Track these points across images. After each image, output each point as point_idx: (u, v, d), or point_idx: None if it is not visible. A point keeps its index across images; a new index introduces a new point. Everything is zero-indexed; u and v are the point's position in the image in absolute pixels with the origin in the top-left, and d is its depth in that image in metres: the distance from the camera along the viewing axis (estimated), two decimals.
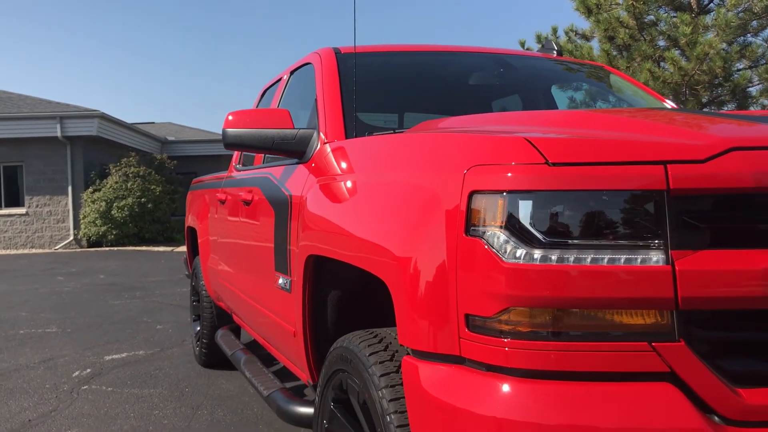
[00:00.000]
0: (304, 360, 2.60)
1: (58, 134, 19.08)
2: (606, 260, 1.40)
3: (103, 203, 18.88)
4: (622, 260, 1.40)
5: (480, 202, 1.50)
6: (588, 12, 12.05)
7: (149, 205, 19.49)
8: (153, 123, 29.55)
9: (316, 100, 3.04)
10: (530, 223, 1.43)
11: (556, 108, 3.80)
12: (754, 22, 11.84)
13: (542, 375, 1.42)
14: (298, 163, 2.86)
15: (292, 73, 3.73)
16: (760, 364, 1.43)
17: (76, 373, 5.34)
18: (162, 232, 20.66)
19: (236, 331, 4.82)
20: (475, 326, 1.49)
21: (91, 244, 19.81)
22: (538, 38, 12.49)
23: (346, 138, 2.68)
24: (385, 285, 1.89)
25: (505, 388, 1.43)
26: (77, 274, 12.77)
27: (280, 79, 3.96)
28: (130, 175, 19.49)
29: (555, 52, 3.78)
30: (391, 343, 1.95)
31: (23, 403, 4.56)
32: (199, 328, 5.61)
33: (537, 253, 1.42)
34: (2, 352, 6.15)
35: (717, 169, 1.40)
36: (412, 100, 3.60)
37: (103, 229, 19.11)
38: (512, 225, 1.44)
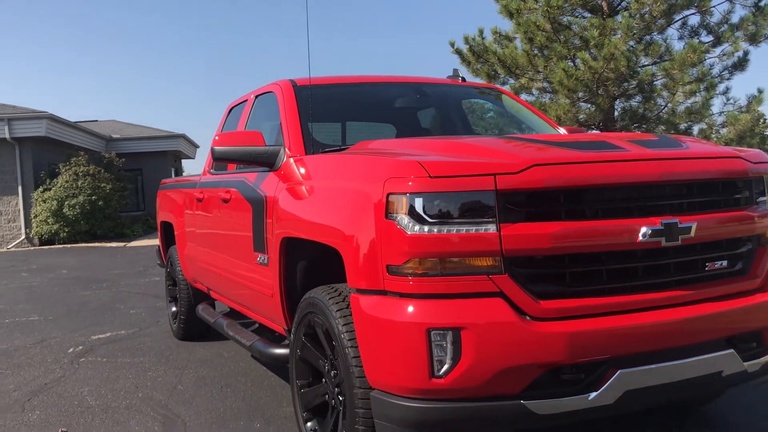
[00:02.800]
0: (281, 313, 3.64)
1: (6, 136, 19.42)
2: (464, 230, 2.48)
3: (55, 202, 19.37)
4: (473, 230, 2.48)
5: (393, 200, 2.57)
6: (510, 15, 13.28)
7: (100, 203, 20.04)
8: (96, 121, 29.73)
9: (280, 122, 4.06)
10: (421, 211, 2.50)
11: (466, 117, 4.95)
12: (660, 21, 13.26)
13: (430, 296, 2.50)
14: (269, 171, 3.87)
15: (257, 97, 4.73)
16: (549, 286, 2.54)
17: (71, 349, 6.23)
18: (113, 228, 21.23)
19: (212, 305, 5.80)
20: (392, 271, 2.56)
21: (43, 243, 20.26)
22: (466, 39, 13.66)
23: (306, 153, 3.72)
24: (335, 255, 2.94)
25: (410, 305, 2.51)
26: (39, 270, 13.43)
27: (246, 100, 4.96)
28: (80, 174, 20.00)
29: (460, 79, 4.90)
30: (342, 292, 2.99)
31: (34, 373, 5.45)
32: (175, 308, 6.56)
33: (425, 228, 2.49)
34: None
35: (524, 177, 2.50)
36: (352, 115, 4.74)
37: (55, 227, 19.60)
38: (411, 212, 2.51)
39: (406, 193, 2.53)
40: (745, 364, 2.80)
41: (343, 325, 2.84)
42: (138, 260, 14.43)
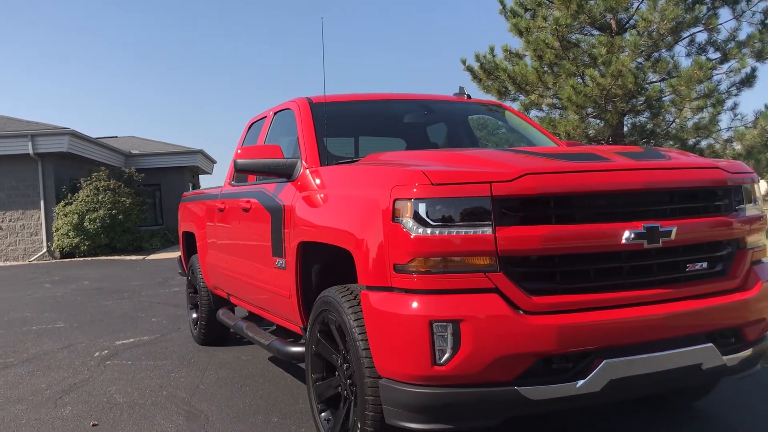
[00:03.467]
0: (297, 313, 3.92)
1: (30, 151, 19.97)
2: (463, 232, 2.76)
3: (76, 216, 19.84)
4: (471, 232, 2.76)
5: (399, 205, 2.85)
6: (520, 33, 13.58)
7: (120, 217, 20.50)
8: (116, 137, 30.33)
9: (297, 137, 4.37)
10: (424, 215, 2.78)
11: (472, 131, 5.24)
12: (667, 38, 13.50)
13: (433, 292, 2.77)
14: (287, 182, 4.17)
15: (275, 113, 5.05)
16: (541, 283, 2.81)
17: (97, 353, 6.54)
18: (132, 242, 21.69)
19: (231, 310, 6.09)
20: (398, 269, 2.84)
21: (64, 255, 20.72)
22: (477, 57, 13.98)
23: (321, 165, 4.02)
24: (346, 258, 3.22)
25: (414, 300, 2.79)
26: (62, 282, 13.81)
27: (265, 117, 5.28)
28: (101, 189, 20.49)
29: (466, 96, 5.21)
30: (353, 291, 3.27)
31: (63, 374, 5.76)
32: (196, 315, 6.87)
33: (428, 230, 2.77)
34: (25, 342, 7.29)
35: (517, 185, 2.78)
36: (365, 130, 5.06)
37: (76, 240, 20.06)
38: (415, 216, 2.79)
39: (410, 199, 2.82)
40: (724, 358, 3.04)
41: (355, 320, 3.11)
42: (157, 272, 14.78)
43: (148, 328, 7.86)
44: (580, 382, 2.77)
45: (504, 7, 14.53)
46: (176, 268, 8.00)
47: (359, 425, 3.09)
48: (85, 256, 20.60)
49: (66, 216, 20.16)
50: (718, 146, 13.98)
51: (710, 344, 3.00)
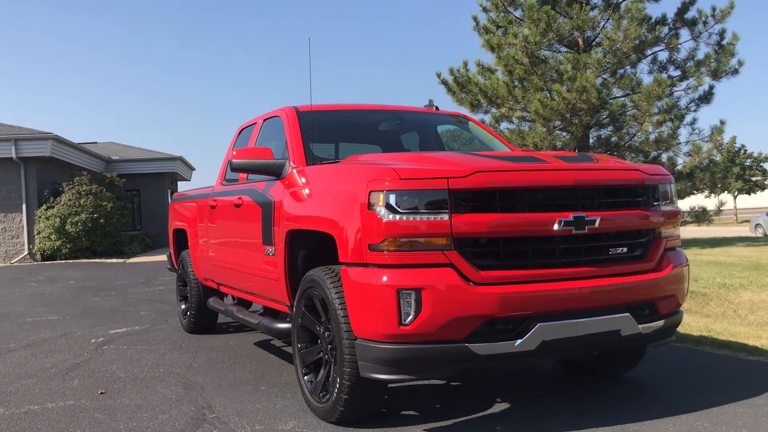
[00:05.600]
0: (285, 293, 4.52)
1: (13, 155, 20.33)
2: (425, 218, 3.40)
3: (58, 219, 20.23)
4: (432, 218, 3.40)
5: (373, 196, 3.48)
6: (492, 49, 14.36)
7: (101, 221, 20.91)
8: (96, 143, 30.65)
9: (285, 141, 4.99)
10: (394, 203, 3.41)
11: (440, 139, 5.90)
12: (631, 56, 14.35)
13: (400, 266, 3.41)
14: (276, 180, 4.79)
15: (265, 120, 5.67)
16: (488, 260, 3.46)
17: (93, 340, 7.06)
18: (113, 246, 22.09)
19: (221, 299, 6.67)
20: (372, 248, 3.47)
21: (45, 258, 21.06)
22: (451, 71, 14.75)
23: (306, 165, 4.64)
24: (327, 245, 3.84)
25: (384, 273, 3.41)
26: (48, 281, 14.23)
27: (255, 123, 5.89)
28: (83, 193, 20.89)
29: (434, 107, 5.88)
30: (334, 270, 3.89)
31: (65, 356, 6.29)
32: (185, 306, 7.43)
33: (397, 216, 3.40)
34: (23, 332, 7.78)
35: (469, 180, 3.43)
36: (345, 136, 5.70)
37: (57, 243, 20.43)
38: (386, 204, 3.43)
39: (383, 191, 3.45)
40: (640, 326, 3.72)
41: (336, 293, 3.73)
42: (140, 273, 15.24)
43: (138, 320, 8.38)
44: (519, 341, 3.42)
45: (477, 24, 15.34)
46: (158, 270, 8.57)
47: (338, 380, 3.70)
48: (66, 258, 20.97)
49: (48, 219, 20.53)
50: (683, 160, 14.81)
51: (627, 314, 3.67)
